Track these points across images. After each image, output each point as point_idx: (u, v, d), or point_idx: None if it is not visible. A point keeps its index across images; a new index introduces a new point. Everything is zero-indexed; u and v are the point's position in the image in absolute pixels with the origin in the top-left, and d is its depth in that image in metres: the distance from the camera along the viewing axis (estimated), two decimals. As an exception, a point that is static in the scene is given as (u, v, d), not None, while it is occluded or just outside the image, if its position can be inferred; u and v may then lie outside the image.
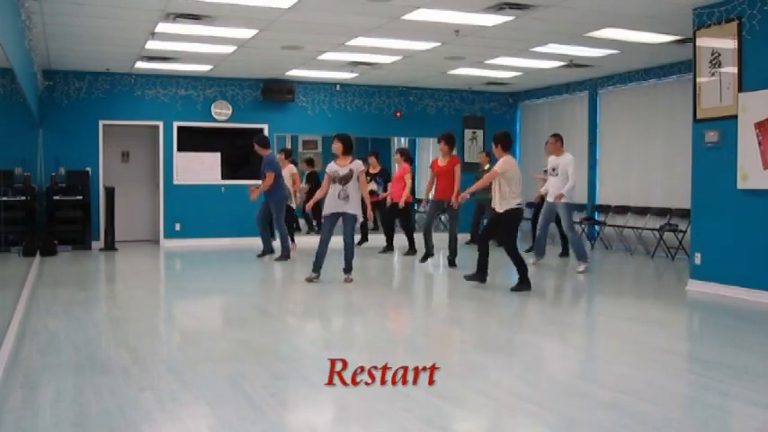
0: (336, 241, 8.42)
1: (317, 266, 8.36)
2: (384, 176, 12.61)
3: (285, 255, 10.59)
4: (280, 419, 3.80)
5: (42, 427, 3.63)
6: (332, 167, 8.30)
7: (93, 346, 5.42)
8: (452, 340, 5.97)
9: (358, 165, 8.28)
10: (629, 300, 7.88)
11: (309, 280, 8.35)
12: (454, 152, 10.12)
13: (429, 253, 10.13)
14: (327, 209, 8.28)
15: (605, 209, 12.84)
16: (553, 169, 9.65)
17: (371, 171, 12.34)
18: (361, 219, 8.41)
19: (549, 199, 9.66)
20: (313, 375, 4.67)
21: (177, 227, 13.14)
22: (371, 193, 11.75)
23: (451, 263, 9.91)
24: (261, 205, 10.84)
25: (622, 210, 12.45)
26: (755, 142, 7.24)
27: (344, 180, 8.17)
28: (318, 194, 8.62)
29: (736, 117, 7.45)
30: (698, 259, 8.03)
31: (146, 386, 4.32)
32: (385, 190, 12.17)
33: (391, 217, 11.83)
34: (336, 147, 8.37)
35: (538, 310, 7.10)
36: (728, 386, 4.37)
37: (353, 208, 8.21)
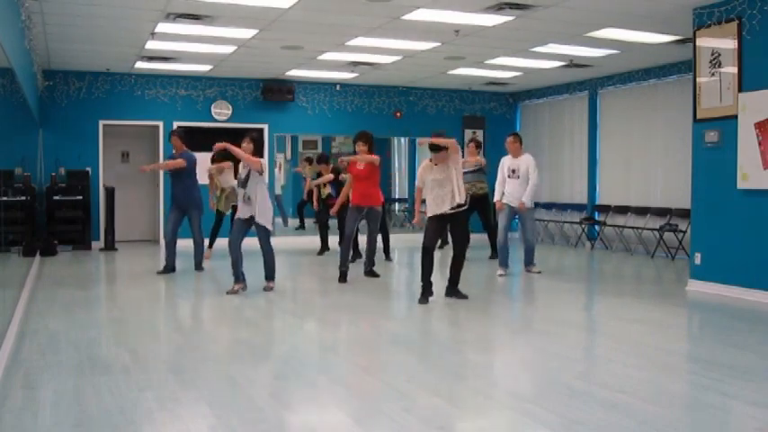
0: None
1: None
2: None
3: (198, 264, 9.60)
4: (280, 419, 3.80)
5: (42, 427, 3.63)
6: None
7: (94, 346, 5.42)
8: (452, 340, 5.96)
9: None
10: (629, 300, 7.88)
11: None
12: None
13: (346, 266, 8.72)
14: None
15: (605, 209, 12.84)
16: (513, 171, 9.01)
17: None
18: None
19: (513, 204, 9.00)
20: (313, 375, 4.67)
21: (177, 227, 13.11)
22: (330, 197, 11.18)
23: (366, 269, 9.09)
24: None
25: (622, 210, 12.45)
26: (755, 142, 7.24)
27: None
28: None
29: (736, 117, 7.45)
30: (698, 259, 8.03)
31: (146, 386, 4.32)
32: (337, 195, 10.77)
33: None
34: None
35: (538, 311, 7.10)
36: (728, 386, 4.37)
37: None
